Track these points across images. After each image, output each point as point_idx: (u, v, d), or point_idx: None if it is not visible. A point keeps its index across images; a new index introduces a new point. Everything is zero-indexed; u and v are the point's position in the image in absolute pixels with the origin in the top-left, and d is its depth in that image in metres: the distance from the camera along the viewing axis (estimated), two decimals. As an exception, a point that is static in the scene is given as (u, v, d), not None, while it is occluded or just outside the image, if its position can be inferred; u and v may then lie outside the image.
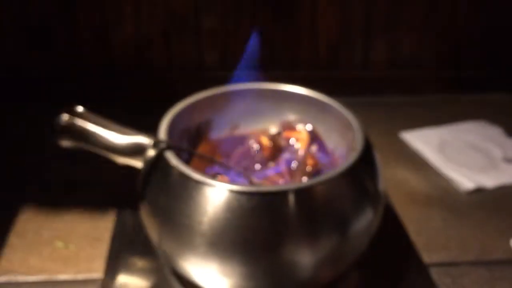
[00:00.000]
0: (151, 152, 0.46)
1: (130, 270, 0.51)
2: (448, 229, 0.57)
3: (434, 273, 0.51)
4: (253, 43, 0.52)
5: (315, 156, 0.50)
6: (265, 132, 0.54)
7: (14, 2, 0.75)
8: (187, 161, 0.49)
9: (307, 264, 0.41)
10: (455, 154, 0.69)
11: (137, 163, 0.50)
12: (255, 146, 0.52)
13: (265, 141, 0.52)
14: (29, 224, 0.56)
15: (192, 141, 0.52)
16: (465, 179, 0.64)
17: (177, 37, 0.80)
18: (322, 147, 0.52)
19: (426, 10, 0.82)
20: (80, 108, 0.53)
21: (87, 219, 0.57)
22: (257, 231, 0.39)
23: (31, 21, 0.77)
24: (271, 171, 0.49)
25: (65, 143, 0.53)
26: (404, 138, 0.74)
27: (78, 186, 0.63)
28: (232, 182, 0.46)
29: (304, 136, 0.53)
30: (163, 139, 0.45)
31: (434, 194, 0.63)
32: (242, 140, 0.53)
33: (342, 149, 0.50)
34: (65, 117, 0.52)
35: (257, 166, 0.51)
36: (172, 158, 0.43)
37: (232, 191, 0.39)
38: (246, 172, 0.49)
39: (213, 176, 0.48)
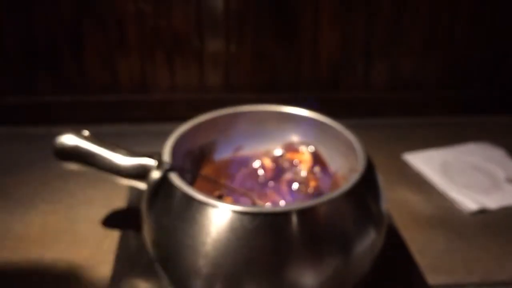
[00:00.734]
0: (155, 174, 0.47)
1: (134, 292, 0.50)
2: (452, 251, 0.57)
3: (439, 296, 0.50)
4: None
5: (317, 178, 0.50)
6: (268, 154, 0.54)
7: (20, 26, 0.77)
8: (190, 183, 0.49)
9: (310, 284, 0.40)
10: (458, 175, 0.69)
11: (141, 185, 0.50)
12: (258, 168, 0.52)
13: (268, 162, 0.52)
14: (32, 246, 0.56)
15: (195, 163, 0.52)
16: (468, 200, 0.64)
17: (180, 59, 0.81)
18: (324, 169, 0.53)
19: (426, 32, 0.83)
20: (85, 132, 0.54)
21: (91, 240, 0.57)
22: (260, 252, 0.39)
23: (38, 46, 0.78)
24: (272, 191, 0.50)
25: (70, 165, 0.53)
26: (407, 160, 0.74)
27: (81, 207, 0.63)
28: (235, 203, 0.46)
29: (307, 158, 0.53)
30: (167, 161, 0.45)
31: (437, 215, 0.63)
32: (245, 161, 0.54)
33: (344, 170, 0.50)
34: (70, 139, 0.53)
35: (260, 187, 0.51)
36: (176, 179, 0.43)
37: (235, 212, 0.39)
38: (249, 194, 0.49)
39: (217, 197, 0.48)
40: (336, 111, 0.85)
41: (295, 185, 0.50)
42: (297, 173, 0.52)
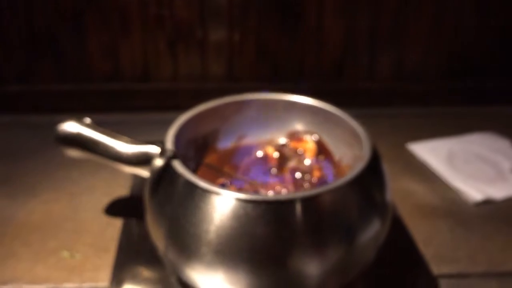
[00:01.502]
0: (158, 162, 0.46)
1: (136, 279, 0.50)
2: (457, 241, 0.56)
3: (443, 285, 0.50)
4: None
5: (321, 167, 0.50)
6: (272, 142, 0.54)
7: (22, 14, 0.76)
8: (194, 171, 0.49)
9: (313, 273, 0.40)
10: (463, 166, 0.69)
11: (144, 172, 0.50)
12: (262, 157, 0.52)
13: (271, 151, 0.52)
14: (35, 234, 0.56)
15: (199, 151, 0.52)
16: (473, 191, 0.63)
17: (183, 48, 0.81)
18: (328, 157, 0.52)
19: (432, 22, 0.82)
20: (87, 119, 0.53)
21: (93, 228, 0.57)
22: (263, 240, 0.39)
23: (39, 33, 0.78)
24: (275, 180, 0.49)
25: (72, 152, 0.53)
26: (412, 150, 0.73)
27: (83, 195, 0.63)
28: (238, 191, 0.46)
29: (311, 147, 0.53)
30: (170, 148, 0.45)
31: (442, 205, 0.62)
32: (249, 150, 0.53)
33: (349, 159, 0.50)
34: (72, 126, 0.52)
35: (263, 176, 0.51)
36: (179, 167, 0.43)
37: (238, 200, 0.39)
38: (252, 182, 0.49)
39: (220, 186, 0.48)
40: (340, 101, 0.85)
41: (299, 174, 0.49)
42: (301, 162, 0.51)
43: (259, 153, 0.53)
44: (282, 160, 0.52)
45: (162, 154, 0.46)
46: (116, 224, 0.58)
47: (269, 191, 0.48)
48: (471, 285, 0.51)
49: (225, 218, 0.39)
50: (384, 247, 0.46)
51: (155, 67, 0.81)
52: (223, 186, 0.48)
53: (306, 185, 0.48)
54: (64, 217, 0.59)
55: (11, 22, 0.77)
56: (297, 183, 0.49)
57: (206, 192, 0.40)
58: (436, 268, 0.52)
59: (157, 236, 0.44)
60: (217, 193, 0.40)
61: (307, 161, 0.52)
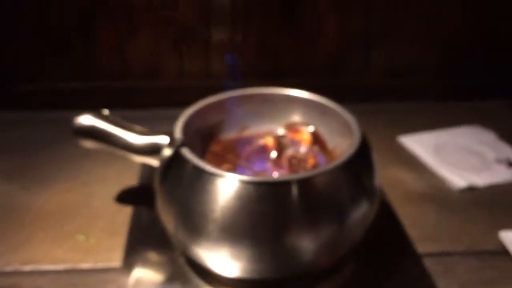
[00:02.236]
0: (167, 151, 0.51)
1: (146, 261, 0.55)
2: (441, 223, 0.61)
3: (427, 262, 0.55)
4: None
5: (315, 155, 0.54)
6: (271, 133, 0.59)
7: (32, 14, 0.81)
8: (201, 155, 0.54)
9: (308, 248, 0.45)
10: (450, 156, 0.73)
11: (154, 162, 0.55)
12: (262, 146, 0.57)
13: (271, 141, 0.57)
14: (52, 220, 0.61)
15: (204, 141, 0.57)
16: (458, 178, 0.68)
17: (187, 48, 0.85)
18: (323, 147, 0.57)
19: (424, 20, 0.87)
20: (105, 111, 0.58)
21: (106, 215, 0.62)
22: (264, 217, 0.43)
23: (51, 32, 0.82)
24: (274, 166, 0.54)
25: (87, 143, 0.58)
26: (402, 142, 0.78)
27: (95, 185, 0.67)
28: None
29: (307, 137, 0.57)
30: (178, 137, 0.49)
31: (428, 192, 0.67)
32: (250, 140, 0.58)
33: (341, 148, 0.54)
34: (87, 119, 0.57)
35: (263, 163, 0.56)
36: (187, 153, 0.47)
37: (241, 181, 0.44)
38: (253, 168, 0.53)
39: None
40: (336, 96, 0.90)
41: (295, 161, 0.54)
42: (297, 151, 0.56)
43: (260, 143, 0.57)
44: (280, 149, 0.57)
45: (171, 143, 0.50)
46: (126, 211, 0.62)
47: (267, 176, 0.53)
48: (453, 262, 0.55)
49: (229, 199, 0.44)
50: (373, 228, 0.51)
51: (161, 65, 0.86)
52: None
53: (301, 170, 0.53)
54: (78, 204, 0.64)
55: (23, 21, 0.81)
56: (293, 170, 0.53)
57: (212, 175, 0.45)
58: (420, 247, 0.57)
59: (167, 218, 0.49)
60: (222, 176, 0.44)
61: (303, 149, 0.56)
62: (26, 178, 0.69)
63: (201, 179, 0.45)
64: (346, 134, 0.53)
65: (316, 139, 0.57)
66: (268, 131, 0.59)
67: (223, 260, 0.46)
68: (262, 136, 0.58)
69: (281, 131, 0.59)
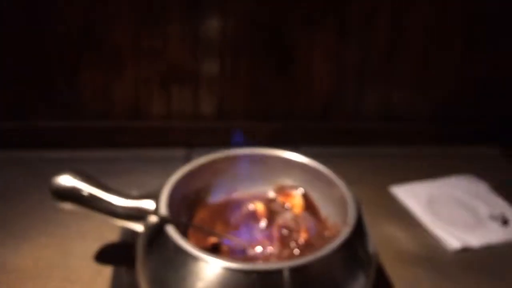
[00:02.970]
0: (152, 218, 0.48)
1: None
2: (437, 292, 0.59)
3: None
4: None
5: (308, 229, 0.52)
6: (261, 196, 0.56)
7: (15, 52, 0.77)
8: (186, 227, 0.51)
9: None
10: (443, 211, 0.72)
11: (137, 227, 0.52)
12: (251, 212, 0.54)
13: (260, 207, 0.54)
14: (27, 283, 0.57)
15: (191, 206, 0.54)
16: (452, 238, 0.66)
17: (176, 87, 0.82)
18: (315, 213, 0.54)
19: (418, 65, 0.85)
20: (81, 173, 0.55)
21: (84, 277, 0.58)
22: (254, 309, 0.40)
23: (33, 72, 0.79)
24: (264, 237, 0.51)
25: (66, 206, 0.54)
26: (394, 192, 0.76)
27: (74, 240, 0.64)
28: (231, 253, 0.48)
29: (298, 202, 0.55)
30: (163, 213, 0.46)
31: (422, 253, 0.65)
32: (239, 204, 0.55)
33: (335, 219, 0.52)
34: (67, 180, 0.54)
35: (253, 232, 0.53)
36: (171, 232, 0.44)
37: (226, 269, 0.41)
38: (241, 241, 0.50)
39: (213, 245, 0.49)
40: (328, 139, 0.88)
41: (285, 232, 0.51)
42: (288, 220, 0.53)
43: (249, 208, 0.54)
44: (271, 215, 0.54)
45: (156, 212, 0.47)
46: (106, 272, 0.59)
47: (256, 248, 0.50)
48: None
49: (215, 286, 0.41)
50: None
51: (147, 105, 0.83)
52: (214, 247, 0.50)
53: (292, 244, 0.50)
54: (55, 264, 0.60)
55: (3, 58, 0.78)
56: (283, 241, 0.51)
57: (196, 259, 0.42)
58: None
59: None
60: (206, 261, 0.41)
61: (294, 218, 0.54)
62: (1, 230, 0.65)
63: (186, 261, 0.42)
64: (340, 203, 0.51)
65: (308, 204, 0.55)
66: (258, 194, 0.56)
67: None
68: (251, 199, 0.55)
69: (271, 194, 0.57)
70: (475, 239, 0.66)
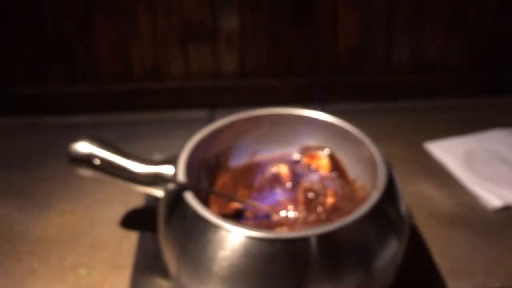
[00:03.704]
0: (171, 185, 0.46)
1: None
2: (474, 252, 0.55)
3: (459, 301, 0.50)
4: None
5: (335, 194, 0.48)
6: (284, 159, 0.53)
7: (31, 17, 0.75)
8: (207, 193, 0.49)
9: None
10: (482, 167, 0.67)
11: (158, 192, 0.50)
12: (275, 175, 0.51)
13: (284, 170, 0.51)
14: (52, 250, 0.57)
15: (211, 171, 0.51)
16: (492, 196, 0.62)
17: (194, 44, 0.79)
18: (343, 175, 0.51)
19: (452, 9, 0.79)
20: (98, 139, 0.53)
21: (110, 243, 0.58)
22: (280, 279, 0.38)
23: (49, 34, 0.77)
24: (288, 201, 0.49)
25: (85, 172, 0.53)
26: (428, 149, 0.72)
27: (99, 206, 0.63)
28: (254, 218, 0.45)
29: (325, 163, 0.52)
30: (181, 180, 0.44)
31: (459, 212, 0.61)
32: (262, 167, 0.52)
33: (364, 180, 0.49)
34: (84, 146, 0.52)
35: (277, 196, 0.50)
36: (190, 200, 0.42)
37: (250, 238, 0.38)
38: (264, 208, 0.48)
39: (235, 211, 0.47)
40: (356, 95, 0.83)
41: (312, 195, 0.49)
42: (314, 182, 0.50)
43: (272, 171, 0.52)
44: (295, 178, 0.51)
45: (174, 178, 0.45)
46: (132, 238, 0.58)
47: (281, 213, 0.48)
48: (487, 300, 0.50)
49: (237, 256, 0.39)
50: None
51: (166, 66, 0.80)
52: (237, 213, 0.47)
53: (319, 209, 0.47)
54: (80, 231, 0.60)
55: (21, 23, 0.76)
56: (309, 205, 0.48)
57: (217, 228, 0.40)
58: (451, 282, 0.52)
59: (170, 260, 0.44)
60: (228, 230, 0.39)
61: (321, 179, 0.50)
62: (22, 198, 0.64)
63: (206, 231, 0.40)
64: (369, 164, 0.47)
65: (335, 165, 0.52)
66: (282, 156, 0.53)
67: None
68: (275, 162, 0.52)
69: (296, 155, 0.53)
70: (517, 197, 0.62)
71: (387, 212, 0.43)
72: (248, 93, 0.82)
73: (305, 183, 0.50)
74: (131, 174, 0.50)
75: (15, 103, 0.81)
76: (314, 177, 0.51)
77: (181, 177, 0.45)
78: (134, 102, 0.81)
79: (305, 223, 0.46)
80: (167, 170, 0.49)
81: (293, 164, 0.52)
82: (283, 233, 0.41)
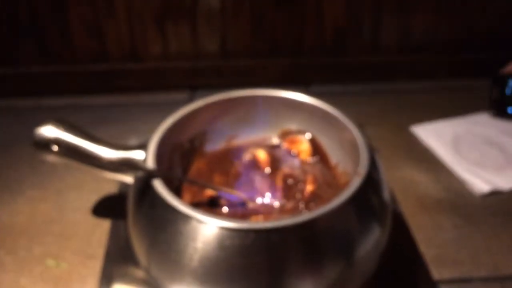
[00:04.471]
0: (141, 173, 0.43)
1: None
2: (460, 240, 0.53)
3: (444, 291, 0.48)
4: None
5: (315, 180, 0.46)
6: (263, 143, 0.50)
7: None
8: (179, 181, 0.46)
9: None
10: (469, 151, 0.65)
11: (127, 178, 0.47)
12: (253, 160, 0.48)
13: (263, 155, 0.48)
14: (20, 240, 0.54)
15: (185, 156, 0.48)
16: (479, 181, 0.60)
17: (172, 23, 0.75)
18: (324, 160, 0.49)
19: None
20: (66, 122, 0.49)
21: (80, 232, 0.55)
22: (255, 272, 0.36)
23: (21, 14, 0.72)
24: (265, 185, 0.46)
25: (51, 158, 0.50)
26: (415, 132, 0.69)
27: (70, 192, 0.60)
28: (230, 206, 0.43)
29: (306, 148, 0.49)
30: (151, 166, 0.41)
31: (446, 198, 0.59)
32: (239, 153, 0.50)
33: (345, 165, 0.46)
34: (49, 130, 0.49)
35: (254, 182, 0.47)
36: (159, 186, 0.39)
37: (223, 228, 0.36)
38: (240, 194, 0.45)
39: (211, 201, 0.45)
40: (342, 76, 0.80)
41: (291, 181, 0.46)
42: (293, 168, 0.48)
43: (250, 156, 0.49)
44: (274, 163, 0.48)
45: (142, 168, 0.42)
46: (104, 226, 0.55)
47: (257, 200, 0.45)
48: (474, 290, 0.48)
49: (209, 248, 0.36)
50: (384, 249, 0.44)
51: (144, 45, 0.76)
52: (211, 201, 0.45)
53: (298, 196, 0.45)
54: (50, 218, 0.57)
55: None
56: (288, 192, 0.45)
57: (187, 218, 0.37)
58: (437, 272, 0.50)
59: (140, 255, 0.42)
60: (199, 221, 0.36)
61: (300, 164, 0.48)
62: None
63: (176, 221, 0.37)
64: (352, 149, 0.45)
65: (316, 150, 0.49)
66: (261, 140, 0.50)
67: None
68: (253, 147, 0.50)
69: (275, 140, 0.51)
70: (505, 182, 0.60)
71: (368, 199, 0.41)
72: (229, 75, 0.78)
73: (285, 168, 0.47)
74: (99, 160, 0.47)
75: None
76: (295, 163, 0.48)
77: (151, 163, 0.42)
78: (110, 83, 0.78)
79: (282, 211, 0.44)
80: (137, 155, 0.46)
81: (272, 149, 0.50)
82: (257, 223, 0.39)
